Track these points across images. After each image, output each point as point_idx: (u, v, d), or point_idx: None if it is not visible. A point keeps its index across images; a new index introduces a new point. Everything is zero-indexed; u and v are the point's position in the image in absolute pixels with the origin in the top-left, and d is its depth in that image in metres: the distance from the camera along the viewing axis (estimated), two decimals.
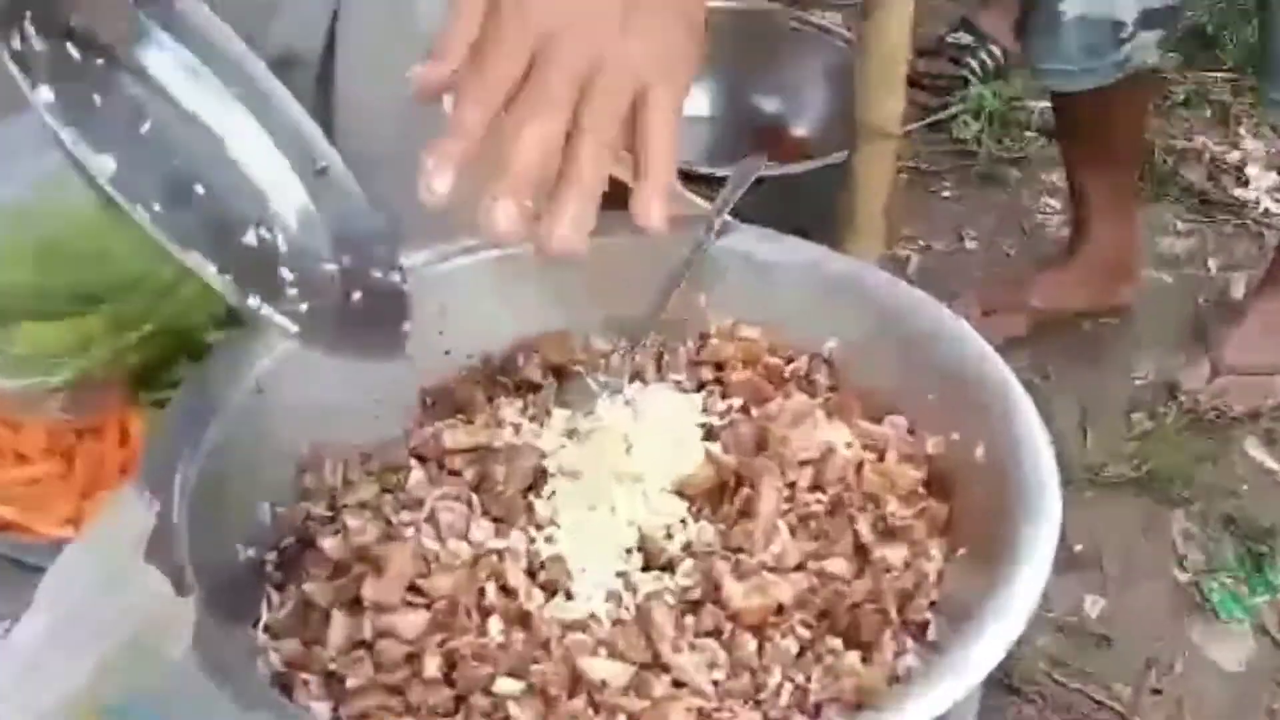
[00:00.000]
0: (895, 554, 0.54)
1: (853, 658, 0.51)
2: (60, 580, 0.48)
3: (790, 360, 0.60)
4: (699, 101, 1.70)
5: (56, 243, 0.56)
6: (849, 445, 0.56)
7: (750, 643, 0.51)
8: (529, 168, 0.45)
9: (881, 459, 0.56)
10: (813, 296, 0.60)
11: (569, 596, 0.53)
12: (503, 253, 0.59)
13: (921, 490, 0.56)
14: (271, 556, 0.55)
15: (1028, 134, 1.92)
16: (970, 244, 1.78)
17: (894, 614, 0.52)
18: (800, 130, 1.72)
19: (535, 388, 0.59)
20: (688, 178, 1.14)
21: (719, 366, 0.60)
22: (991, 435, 0.54)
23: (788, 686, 0.50)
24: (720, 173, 1.24)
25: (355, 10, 0.97)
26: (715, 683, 0.50)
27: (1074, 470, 1.35)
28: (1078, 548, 1.33)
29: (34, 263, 0.56)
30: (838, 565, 0.54)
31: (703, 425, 0.57)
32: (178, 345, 0.59)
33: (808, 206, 1.32)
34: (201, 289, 0.52)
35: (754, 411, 0.58)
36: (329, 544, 0.55)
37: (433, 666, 0.51)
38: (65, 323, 0.56)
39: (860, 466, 0.56)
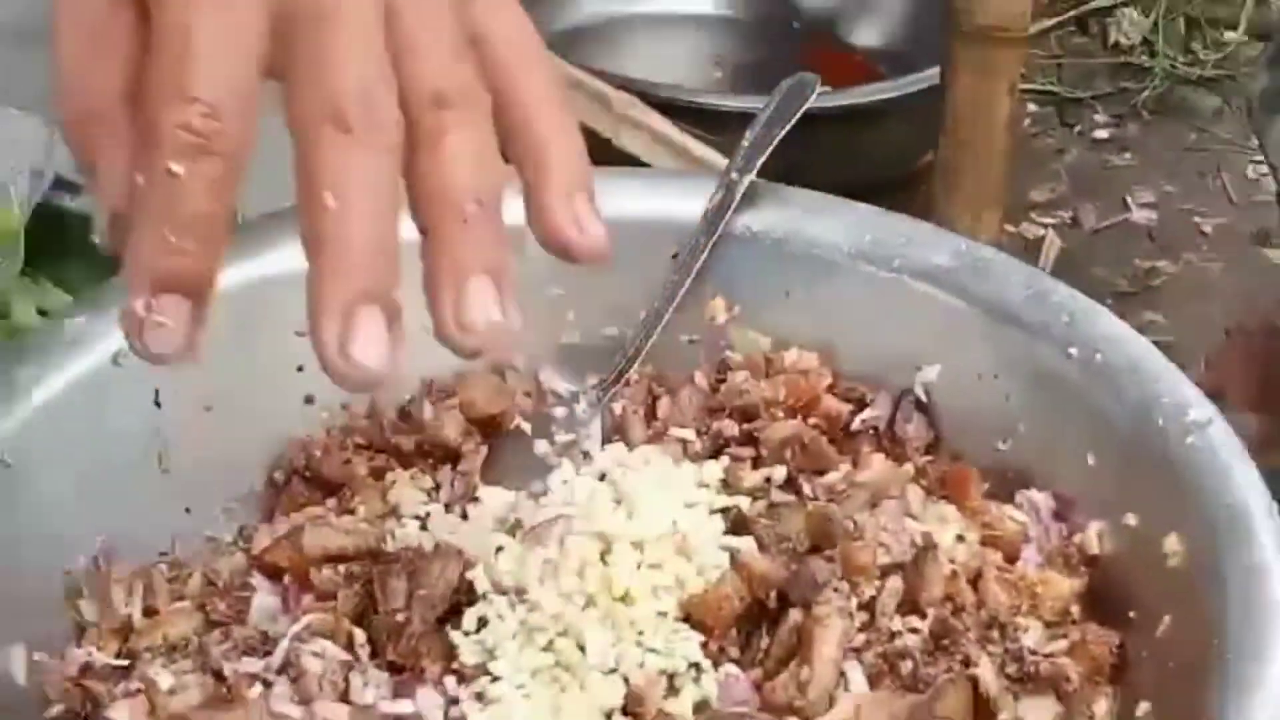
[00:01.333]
0: (1038, 712, 0.35)
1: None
2: None
3: (863, 402, 0.39)
4: None
5: None
6: (960, 539, 0.36)
7: None
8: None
9: (1013, 561, 0.37)
10: (895, 300, 0.39)
11: None
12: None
13: (1077, 611, 0.37)
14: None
15: (1230, 35, 1.27)
16: (1140, 215, 1.18)
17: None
18: (866, 38, 1.19)
19: (453, 455, 0.37)
20: (697, 114, 0.91)
21: (747, 415, 0.38)
22: (1194, 523, 0.35)
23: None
24: (744, 106, 0.87)
25: None
26: None
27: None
28: None
29: None
30: None
31: (724, 511, 0.36)
32: None
33: (880, 158, 0.99)
34: None
35: (806, 488, 0.37)
36: (120, 715, 0.34)
37: None
38: None
39: (979, 575, 0.36)
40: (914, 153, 0.93)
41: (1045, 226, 1.14)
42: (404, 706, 0.35)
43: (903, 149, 0.95)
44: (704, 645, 0.36)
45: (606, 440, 0.37)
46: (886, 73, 1.09)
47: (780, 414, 0.38)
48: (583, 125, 0.31)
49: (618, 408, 0.37)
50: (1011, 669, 0.36)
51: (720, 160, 0.47)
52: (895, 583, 0.36)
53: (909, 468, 0.38)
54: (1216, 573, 0.35)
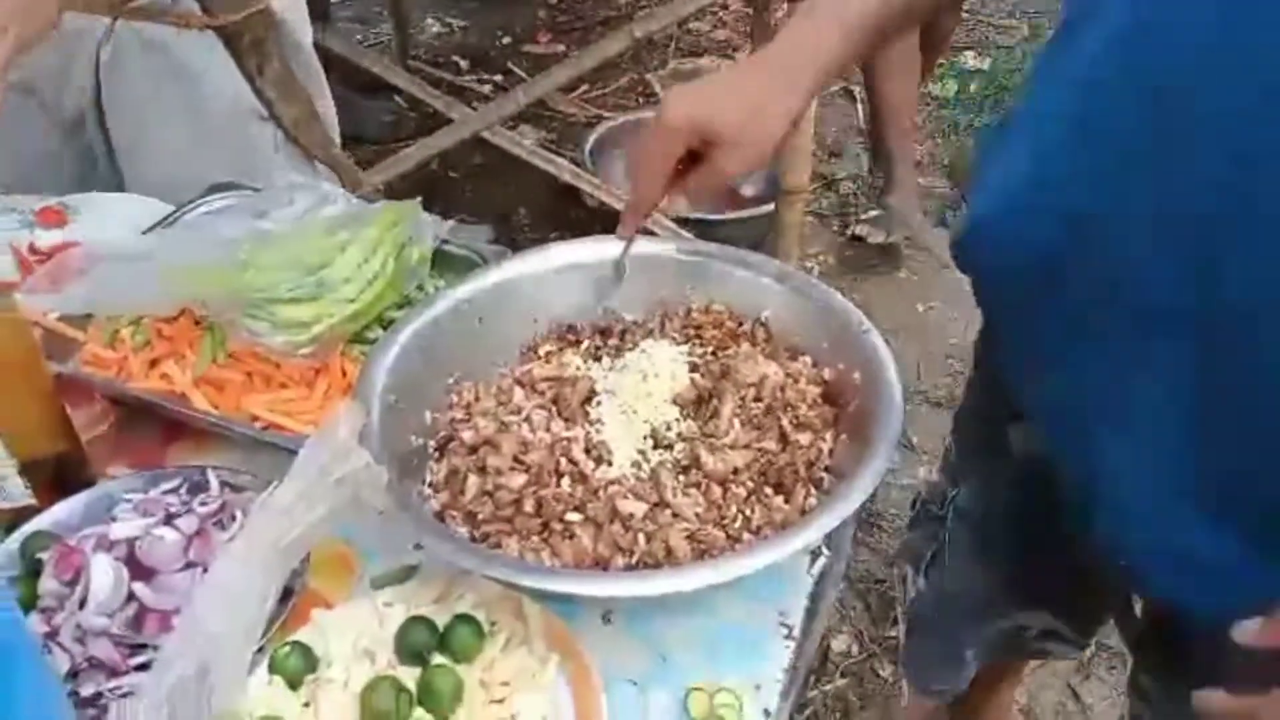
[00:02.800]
0: (804, 438, 0.88)
1: (779, 500, 0.86)
2: (305, 459, 0.77)
3: (741, 324, 0.96)
4: None
5: (303, 256, 0.93)
6: (776, 373, 0.92)
7: (717, 491, 0.85)
8: None
9: (797, 381, 0.91)
10: (757, 285, 0.96)
11: (609, 465, 0.88)
12: (564, 264, 0.97)
13: (820, 400, 0.91)
14: (432, 443, 0.91)
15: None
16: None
17: (804, 473, 0.87)
18: (747, 191, 2.64)
19: (585, 341, 0.96)
20: (680, 220, 2.18)
21: (698, 329, 0.96)
22: (864, 367, 0.88)
23: (740, 517, 0.84)
24: (697, 216, 2.44)
25: (118, 75, 1.35)
26: (697, 515, 0.83)
27: (912, 392, 2.11)
28: (915, 439, 2.16)
29: (290, 268, 0.93)
30: (770, 444, 0.88)
31: (689, 363, 0.94)
32: (373, 318, 0.96)
33: (755, 235, 2.31)
34: (389, 284, 0.89)
35: (719, 355, 0.94)
36: (466, 435, 0.91)
37: (529, 506, 0.84)
38: (306, 304, 0.92)
39: (784, 387, 0.91)
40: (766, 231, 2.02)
41: (813, 263, 2.53)
42: (568, 433, 0.91)
43: (762, 231, 2.13)
44: (680, 412, 0.93)
45: (645, 337, 0.95)
46: (757, 204, 2.51)
47: (710, 328, 0.96)
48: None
49: (650, 325, 0.95)
50: (795, 422, 0.89)
51: (690, 237, 1.04)
52: (752, 390, 0.93)
53: (758, 348, 0.95)
54: (872, 386, 0.91)
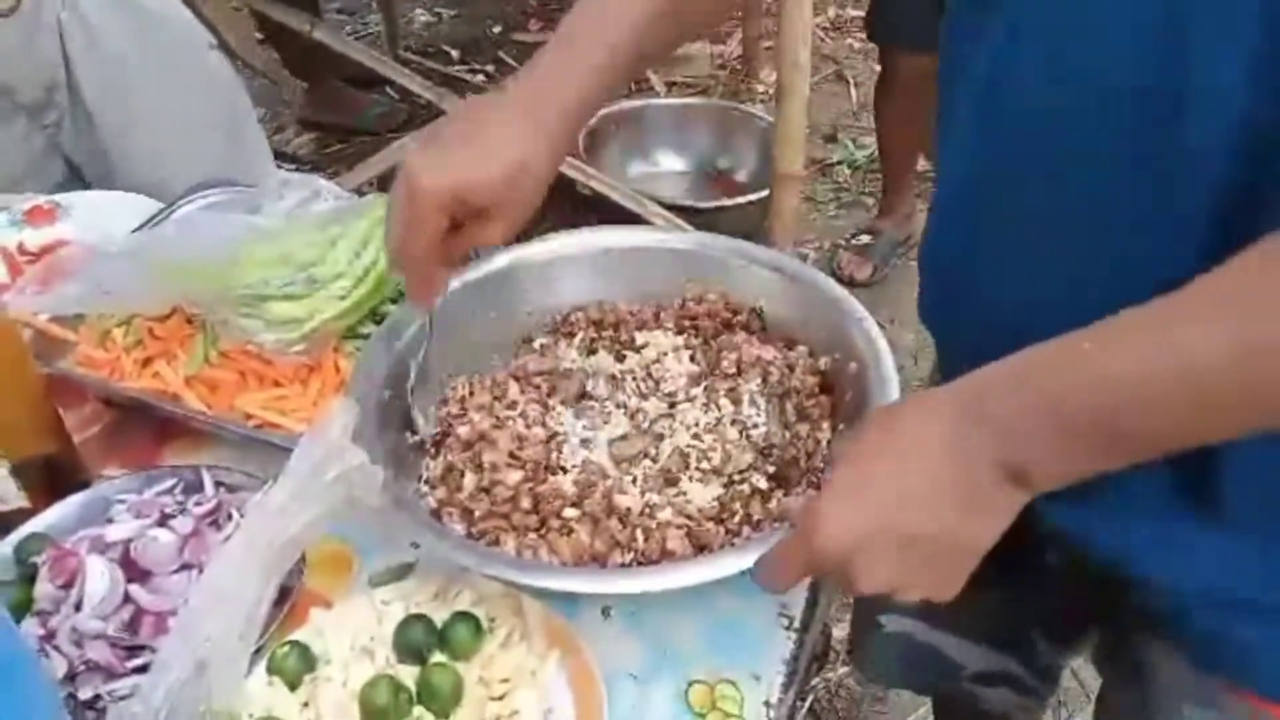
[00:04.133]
0: (804, 428, 0.88)
1: (779, 493, 0.85)
2: (298, 459, 0.76)
3: (736, 312, 0.96)
4: (680, 161, 2.84)
5: (294, 252, 0.92)
6: (772, 361, 0.92)
7: (718, 488, 0.85)
8: None
9: (793, 370, 0.91)
10: (752, 274, 0.95)
11: (605, 459, 0.88)
12: (558, 255, 0.96)
13: (817, 390, 0.90)
14: (427, 439, 0.91)
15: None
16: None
17: (803, 463, 0.87)
18: (741, 177, 2.73)
19: (581, 333, 0.95)
20: (675, 208, 2.17)
21: (693, 319, 0.96)
22: (859, 357, 0.87)
23: (742, 512, 0.82)
24: (696, 205, 2.52)
25: (88, 40, 1.37)
26: (700, 510, 0.81)
27: (910, 379, 2.05)
28: None
29: (281, 265, 0.92)
30: (775, 433, 0.88)
31: (688, 349, 0.93)
32: (366, 313, 0.95)
33: (749, 223, 2.32)
34: (379, 278, 0.88)
35: (713, 342, 0.94)
36: (462, 431, 0.90)
37: (526, 502, 0.84)
38: (298, 301, 0.92)
39: (782, 376, 0.91)
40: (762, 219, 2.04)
41: (809, 250, 2.56)
42: (563, 429, 0.92)
43: (756, 219, 2.14)
44: (683, 400, 0.92)
45: (640, 328, 0.95)
46: (750, 191, 2.53)
47: (705, 318, 0.96)
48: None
49: (645, 315, 0.95)
50: (795, 411, 0.92)
51: (687, 227, 1.03)
52: (758, 375, 0.92)
53: (753, 337, 0.94)
54: (867, 376, 0.90)
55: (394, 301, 0.96)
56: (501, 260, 0.97)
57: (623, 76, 0.79)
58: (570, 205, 2.65)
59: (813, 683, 1.80)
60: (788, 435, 0.87)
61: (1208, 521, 0.65)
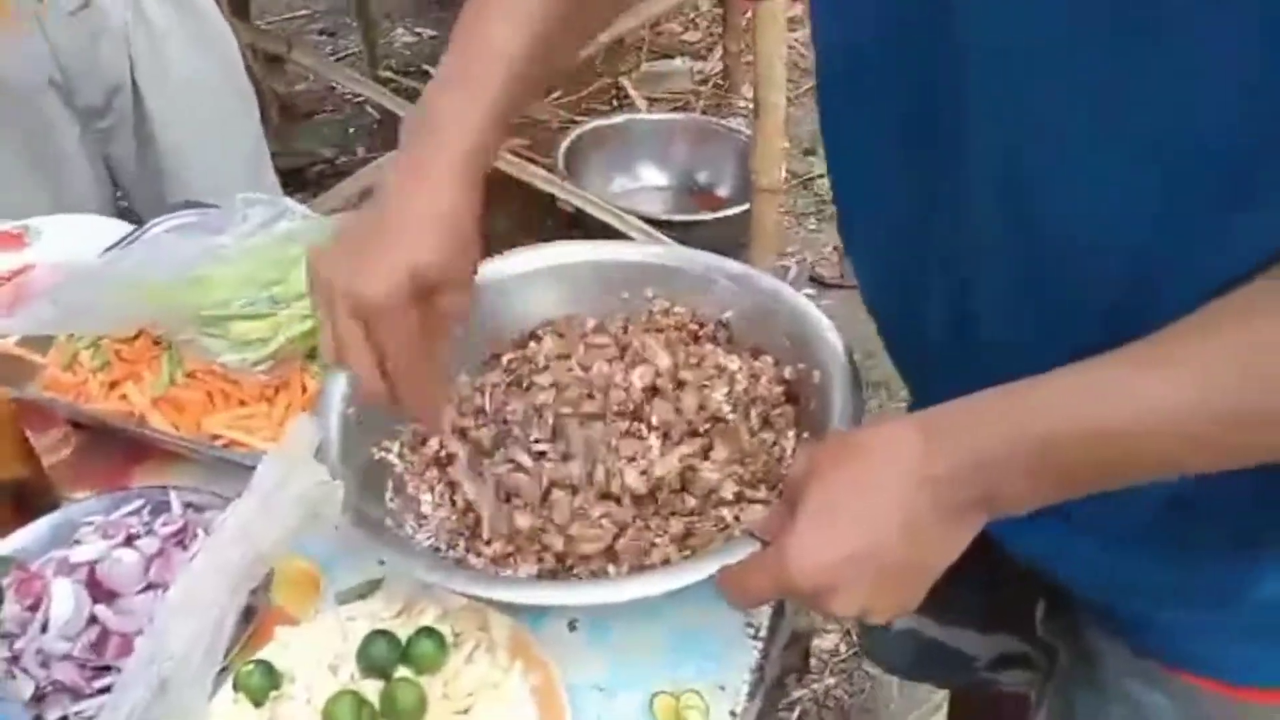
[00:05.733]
0: (769, 436, 0.88)
1: (744, 502, 0.85)
2: (261, 476, 0.76)
3: (703, 324, 0.96)
4: (661, 176, 2.82)
5: (257, 271, 0.93)
6: (738, 370, 0.92)
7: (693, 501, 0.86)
8: None
9: (759, 379, 0.91)
10: (719, 287, 0.96)
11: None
12: (524, 270, 0.97)
13: (783, 399, 0.91)
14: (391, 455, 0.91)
15: None
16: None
17: (770, 471, 0.87)
18: (722, 192, 2.72)
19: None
20: (656, 223, 2.19)
21: (659, 331, 0.96)
22: (823, 366, 0.88)
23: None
24: (675, 219, 2.51)
25: (148, 77, 1.42)
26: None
27: (878, 387, 2.13)
28: None
29: (244, 285, 0.92)
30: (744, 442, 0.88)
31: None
32: None
33: (729, 236, 2.28)
34: None
35: (682, 353, 0.94)
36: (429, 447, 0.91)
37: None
38: (261, 320, 0.92)
39: (748, 386, 0.91)
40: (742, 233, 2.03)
41: (791, 262, 2.43)
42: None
43: (737, 232, 2.09)
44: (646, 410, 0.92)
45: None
46: (730, 205, 2.53)
47: (672, 329, 0.96)
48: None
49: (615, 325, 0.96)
50: (760, 419, 0.92)
51: (665, 239, 1.04)
52: (723, 387, 0.92)
53: (718, 348, 0.95)
54: (829, 386, 0.91)
55: None
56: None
57: (528, 88, 0.73)
58: (552, 221, 2.67)
59: (798, 694, 1.80)
60: (754, 443, 0.88)
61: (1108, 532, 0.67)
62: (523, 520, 0.82)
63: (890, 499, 0.57)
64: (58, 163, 1.43)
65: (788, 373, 0.93)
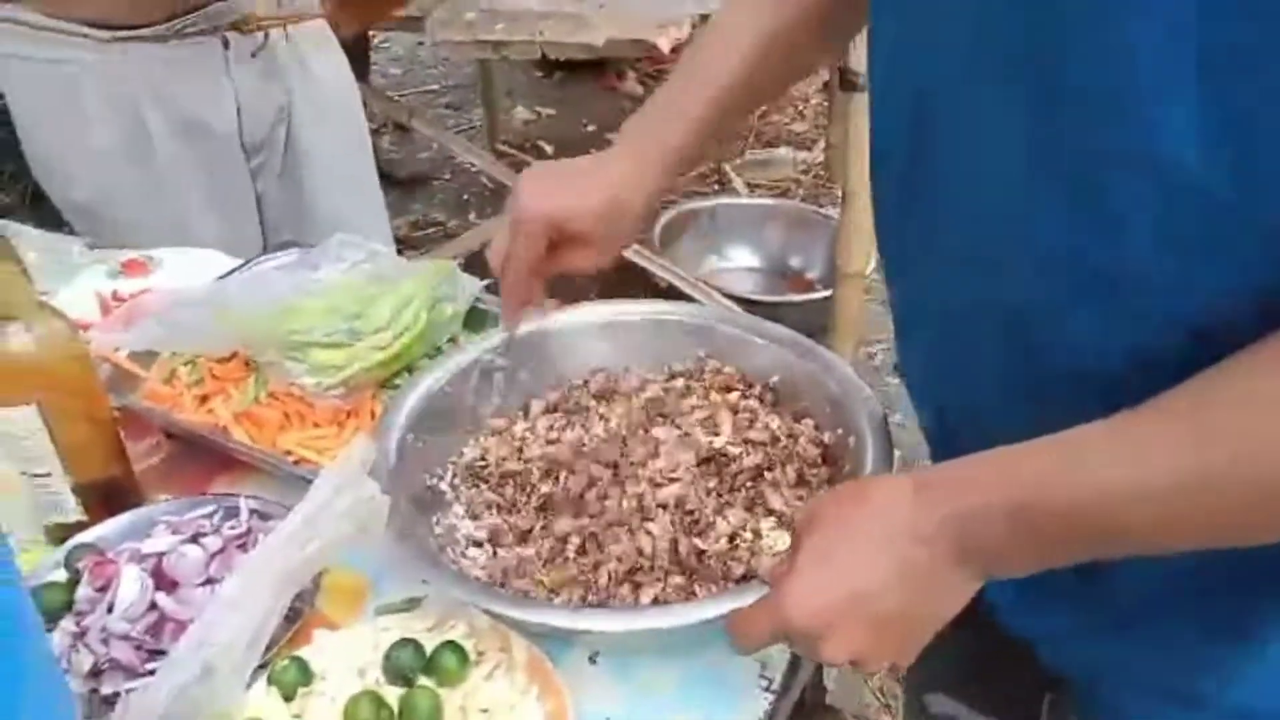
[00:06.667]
0: (804, 492, 0.91)
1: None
2: (316, 489, 0.81)
3: (750, 385, 1.00)
4: (753, 258, 2.93)
5: (340, 305, 1.01)
6: (779, 428, 0.95)
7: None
8: None
9: (797, 440, 0.95)
10: (769, 351, 1.00)
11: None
12: (579, 322, 1.03)
13: (820, 459, 0.93)
14: (443, 484, 0.96)
15: None
16: None
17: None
18: (812, 275, 2.83)
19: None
20: (742, 302, 2.31)
21: (710, 388, 1.00)
22: (860, 432, 0.90)
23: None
24: (760, 299, 2.63)
25: (302, 115, 1.50)
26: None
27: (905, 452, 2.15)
28: None
29: (327, 316, 1.00)
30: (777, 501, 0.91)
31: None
32: (404, 365, 1.03)
33: (815, 319, 2.34)
34: (419, 335, 0.96)
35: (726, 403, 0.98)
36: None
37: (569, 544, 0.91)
38: (340, 350, 1.00)
39: (786, 443, 0.94)
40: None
41: (878, 349, 2.35)
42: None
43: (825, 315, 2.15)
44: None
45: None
46: (820, 288, 2.59)
47: (721, 389, 1.00)
48: None
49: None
50: (797, 477, 0.94)
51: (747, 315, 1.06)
52: (764, 448, 0.96)
53: (767, 406, 0.98)
54: (865, 451, 0.92)
55: (430, 357, 1.04)
56: (541, 323, 1.04)
57: (736, 109, 0.83)
58: (642, 294, 2.75)
59: None
60: (791, 501, 0.91)
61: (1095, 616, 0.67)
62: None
63: (881, 548, 0.59)
64: (229, 199, 1.52)
65: (827, 437, 0.95)
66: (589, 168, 0.82)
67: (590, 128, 3.79)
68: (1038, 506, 0.55)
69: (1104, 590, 0.61)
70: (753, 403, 0.98)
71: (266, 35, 1.29)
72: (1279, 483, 0.49)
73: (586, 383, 1.01)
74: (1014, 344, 0.63)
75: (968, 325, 0.66)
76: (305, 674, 0.79)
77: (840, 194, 3.21)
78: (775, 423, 0.96)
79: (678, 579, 0.85)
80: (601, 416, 0.97)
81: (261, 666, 0.79)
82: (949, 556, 0.58)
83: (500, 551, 0.90)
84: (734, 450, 0.92)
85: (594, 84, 4.00)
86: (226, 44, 1.42)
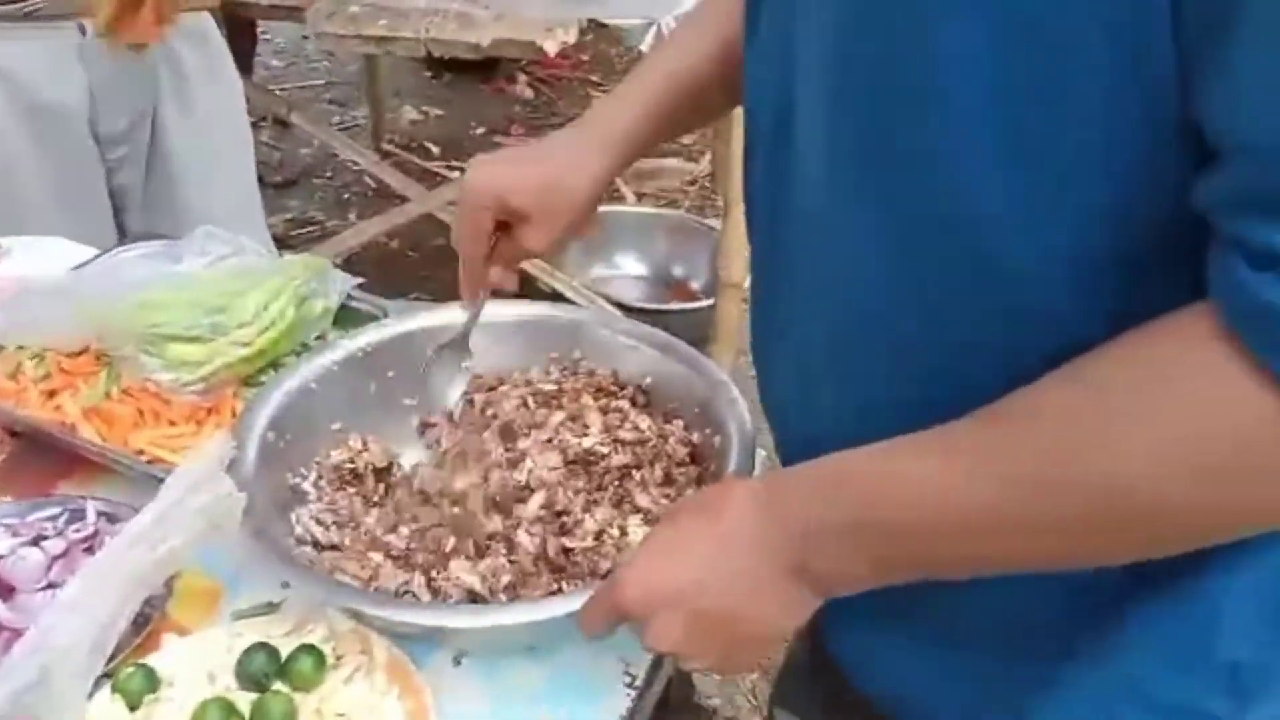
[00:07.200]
0: (671, 491, 0.91)
1: None
2: (168, 487, 0.78)
3: (623, 387, 1.01)
4: (640, 267, 2.91)
5: (202, 299, 0.97)
6: (649, 428, 0.95)
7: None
8: None
9: (667, 440, 0.95)
10: (642, 353, 1.01)
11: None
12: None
13: (688, 458, 0.94)
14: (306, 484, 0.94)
15: None
16: None
17: None
18: (696, 285, 2.82)
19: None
20: (627, 309, 2.22)
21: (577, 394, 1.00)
22: (725, 434, 0.91)
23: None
24: (646, 306, 2.56)
25: (169, 110, 1.46)
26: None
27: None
28: None
29: (187, 310, 0.97)
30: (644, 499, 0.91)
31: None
32: (268, 361, 1.00)
33: (698, 328, 2.33)
34: (285, 332, 0.94)
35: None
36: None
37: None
38: (202, 344, 0.96)
39: (655, 443, 0.95)
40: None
41: None
42: None
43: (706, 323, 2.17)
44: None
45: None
46: (702, 297, 2.64)
47: (595, 391, 1.00)
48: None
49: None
50: (665, 477, 0.95)
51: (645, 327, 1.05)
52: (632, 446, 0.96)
53: (639, 407, 0.99)
54: (731, 450, 0.94)
55: (297, 354, 1.01)
56: (407, 324, 1.02)
57: (690, 101, 0.83)
58: (531, 299, 2.74)
59: None
60: (658, 500, 0.91)
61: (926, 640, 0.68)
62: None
63: (722, 551, 0.60)
64: (77, 189, 1.46)
65: (695, 437, 0.96)
66: (535, 149, 0.86)
67: (479, 130, 3.75)
68: (866, 529, 0.55)
69: (922, 611, 0.63)
70: (623, 403, 0.98)
71: None
72: (1078, 497, 0.49)
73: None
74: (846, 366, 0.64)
75: (814, 347, 0.67)
76: (151, 681, 0.76)
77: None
78: (645, 423, 0.96)
79: (545, 577, 0.84)
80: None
81: (106, 675, 0.76)
82: (789, 569, 0.59)
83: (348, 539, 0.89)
84: (603, 450, 0.93)
85: (483, 86, 3.97)
86: (84, 31, 1.36)
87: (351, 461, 0.95)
